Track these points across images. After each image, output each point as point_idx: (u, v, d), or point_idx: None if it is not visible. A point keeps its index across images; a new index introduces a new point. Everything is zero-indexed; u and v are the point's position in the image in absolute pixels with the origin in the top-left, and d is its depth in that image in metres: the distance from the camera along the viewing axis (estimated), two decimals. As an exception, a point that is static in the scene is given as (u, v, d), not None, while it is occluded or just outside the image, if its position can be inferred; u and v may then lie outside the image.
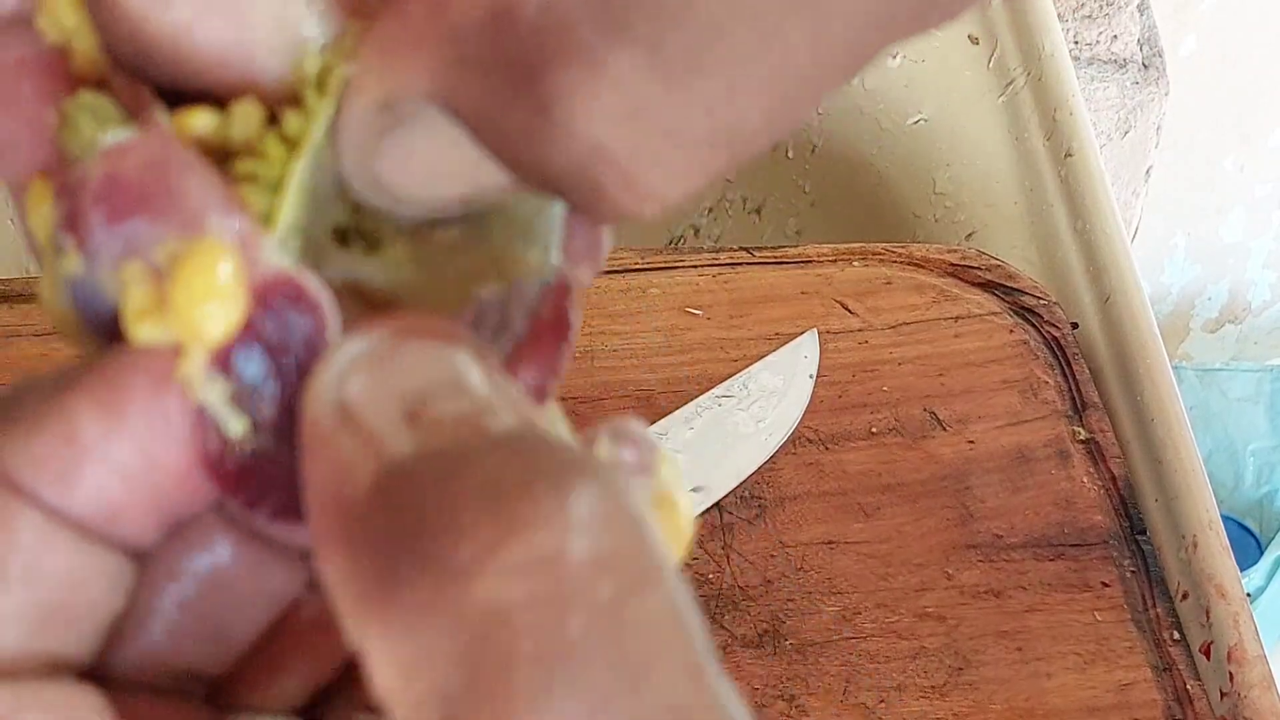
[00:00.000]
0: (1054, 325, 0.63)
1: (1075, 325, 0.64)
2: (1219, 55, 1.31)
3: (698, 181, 0.18)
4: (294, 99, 0.20)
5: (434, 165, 0.19)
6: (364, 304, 0.21)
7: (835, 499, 0.57)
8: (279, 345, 0.19)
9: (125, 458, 0.19)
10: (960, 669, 0.53)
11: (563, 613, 0.16)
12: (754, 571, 0.55)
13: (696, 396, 0.59)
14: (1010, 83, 0.73)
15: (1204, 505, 0.57)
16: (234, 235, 0.19)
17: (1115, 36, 0.85)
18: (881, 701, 0.52)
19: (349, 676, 0.22)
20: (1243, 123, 1.38)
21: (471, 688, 0.16)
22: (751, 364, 0.60)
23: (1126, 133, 0.86)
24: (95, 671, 0.20)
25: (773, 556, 0.55)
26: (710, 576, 0.55)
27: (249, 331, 0.19)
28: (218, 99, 0.20)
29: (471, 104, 0.18)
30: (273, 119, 0.20)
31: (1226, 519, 0.87)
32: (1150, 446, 0.60)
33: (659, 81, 0.17)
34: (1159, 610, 0.56)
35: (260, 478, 0.19)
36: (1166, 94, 0.87)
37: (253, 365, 0.19)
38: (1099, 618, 0.55)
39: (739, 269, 0.64)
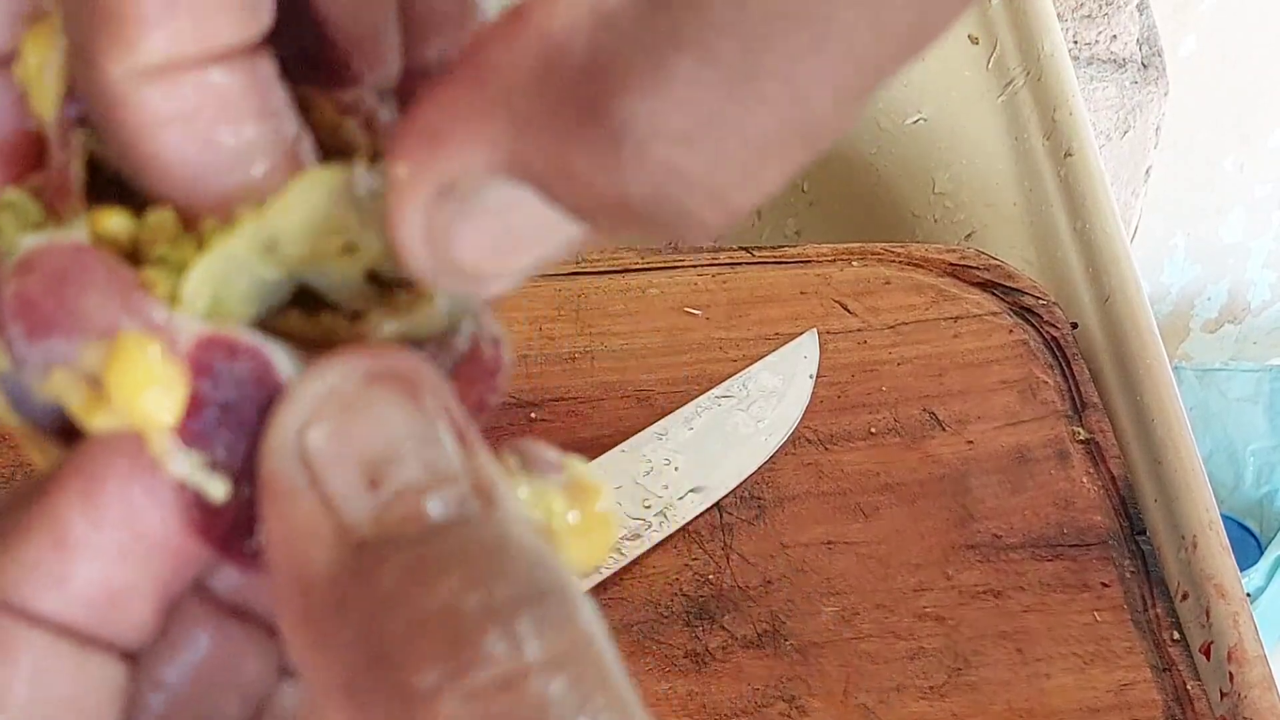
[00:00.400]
0: (1053, 325, 0.63)
1: (1075, 325, 0.64)
2: (1219, 55, 1.31)
3: (779, 180, 0.18)
4: (223, 212, 0.20)
5: (507, 236, 0.18)
6: (321, 338, 0.21)
7: (835, 499, 0.57)
8: (233, 401, 0.19)
9: (116, 542, 0.19)
10: (960, 669, 0.53)
11: None
12: (754, 572, 0.55)
13: (696, 396, 0.59)
14: (1010, 82, 0.73)
15: (1204, 505, 0.57)
16: (147, 325, 0.19)
17: (1115, 36, 0.85)
18: (881, 702, 0.52)
19: None
20: (1242, 123, 1.38)
21: None
22: (751, 364, 0.60)
23: (1126, 133, 0.86)
24: None
25: (772, 557, 0.55)
26: (710, 577, 0.55)
27: (197, 402, 0.19)
28: (143, 196, 0.20)
29: (538, 162, 0.17)
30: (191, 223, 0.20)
31: (1226, 519, 0.87)
32: (1150, 446, 0.60)
33: (722, 90, 0.16)
34: (1159, 610, 0.55)
35: (251, 529, 0.20)
36: (1166, 94, 0.87)
37: (213, 430, 0.19)
38: (1099, 618, 0.55)
39: (738, 269, 0.64)
